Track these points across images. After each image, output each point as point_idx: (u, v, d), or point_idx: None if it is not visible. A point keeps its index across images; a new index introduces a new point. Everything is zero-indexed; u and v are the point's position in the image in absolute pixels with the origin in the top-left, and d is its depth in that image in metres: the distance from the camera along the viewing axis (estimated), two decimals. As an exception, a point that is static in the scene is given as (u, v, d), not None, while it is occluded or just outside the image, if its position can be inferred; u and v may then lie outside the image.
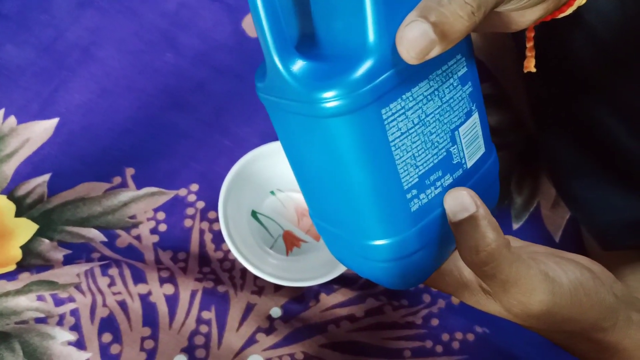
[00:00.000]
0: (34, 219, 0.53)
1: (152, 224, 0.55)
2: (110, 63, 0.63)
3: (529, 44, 0.32)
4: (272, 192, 0.55)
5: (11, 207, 0.54)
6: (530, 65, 0.33)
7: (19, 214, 0.53)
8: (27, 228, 0.53)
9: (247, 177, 0.53)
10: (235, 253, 0.49)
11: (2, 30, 0.63)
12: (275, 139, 0.54)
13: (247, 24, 0.64)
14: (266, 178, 0.54)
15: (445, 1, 0.22)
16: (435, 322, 0.53)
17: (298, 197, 0.56)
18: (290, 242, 0.54)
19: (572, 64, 0.47)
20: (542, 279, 0.27)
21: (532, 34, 0.32)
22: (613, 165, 0.47)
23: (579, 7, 0.29)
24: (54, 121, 0.58)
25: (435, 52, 0.22)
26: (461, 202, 0.27)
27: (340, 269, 0.49)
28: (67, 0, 0.65)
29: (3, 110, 0.58)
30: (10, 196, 0.54)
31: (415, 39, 0.22)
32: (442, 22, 0.22)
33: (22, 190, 0.54)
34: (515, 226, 0.57)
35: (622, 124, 0.45)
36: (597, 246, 0.51)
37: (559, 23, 0.33)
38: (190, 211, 0.56)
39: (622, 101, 0.45)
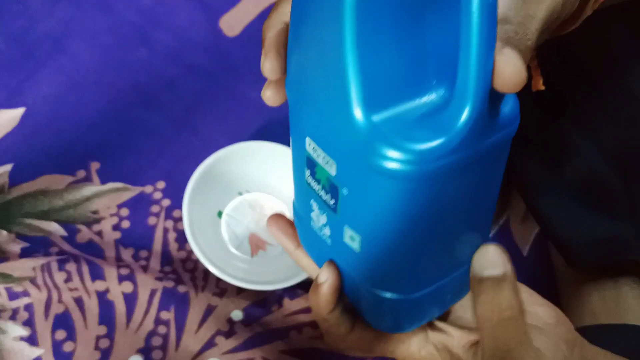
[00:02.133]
0: (-9, 210, 0.52)
1: (115, 220, 0.53)
2: (81, 56, 0.62)
3: (533, 63, 0.32)
4: (240, 193, 0.55)
5: (-32, 197, 0.52)
6: (538, 84, 0.33)
7: (-24, 204, 0.52)
8: (-17, 219, 0.51)
9: (215, 177, 0.52)
10: (197, 253, 0.48)
11: (-29, 17, 0.62)
12: (245, 139, 0.53)
13: (225, 23, 0.63)
14: (234, 178, 0.54)
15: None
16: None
17: (266, 199, 0.55)
18: (256, 244, 0.54)
19: (545, 83, 0.47)
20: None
21: (535, 54, 0.32)
22: (580, 184, 0.48)
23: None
24: (20, 111, 0.57)
25: None
26: (491, 259, 0.27)
27: (305, 274, 0.49)
28: (41, -10, 0.64)
29: (-34, 97, 0.56)
30: (-32, 186, 0.52)
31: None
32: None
33: (-19, 180, 0.53)
34: (483, 238, 0.57)
35: (593, 145, 0.45)
36: (564, 263, 0.52)
37: None
38: (155, 209, 0.54)
39: (594, 123, 0.45)
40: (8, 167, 0.54)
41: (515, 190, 0.59)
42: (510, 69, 0.21)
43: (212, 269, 0.48)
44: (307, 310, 0.51)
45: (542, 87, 0.33)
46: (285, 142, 0.52)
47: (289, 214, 0.54)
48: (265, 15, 0.64)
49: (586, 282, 0.52)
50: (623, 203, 0.45)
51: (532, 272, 0.56)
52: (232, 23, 0.63)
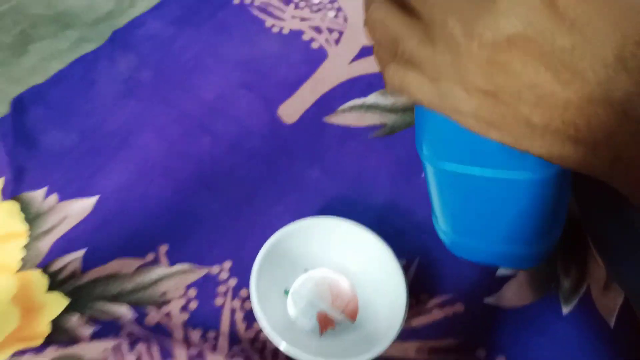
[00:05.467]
0: (65, 294, 0.53)
1: (183, 301, 0.54)
2: (149, 148, 0.65)
3: None
4: (305, 270, 0.55)
5: (44, 281, 0.54)
6: None
7: (51, 288, 0.53)
8: (57, 303, 0.52)
9: (280, 255, 0.53)
10: (268, 331, 0.47)
11: (48, 117, 0.67)
12: (304, 216, 0.54)
13: (283, 111, 0.67)
14: (299, 255, 0.54)
15: None
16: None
17: (332, 276, 0.55)
18: (324, 322, 0.53)
19: None
20: None
21: None
22: None
23: None
24: (93, 200, 0.59)
25: None
26: None
27: (376, 351, 0.47)
28: (111, 90, 0.69)
29: (46, 188, 0.59)
30: (45, 270, 0.54)
31: None
32: None
33: (57, 265, 0.54)
34: (565, 311, 0.55)
35: None
36: None
37: None
38: (222, 289, 0.55)
39: None
40: (81, 253, 0.56)
41: (592, 258, 0.57)
42: None
43: (283, 346, 0.47)
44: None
45: None
46: (346, 217, 0.53)
47: (350, 289, 0.54)
48: (321, 102, 0.67)
49: None
50: None
51: (622, 345, 0.52)
52: (290, 111, 0.67)
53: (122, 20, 0.79)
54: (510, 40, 0.23)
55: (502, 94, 0.24)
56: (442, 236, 0.41)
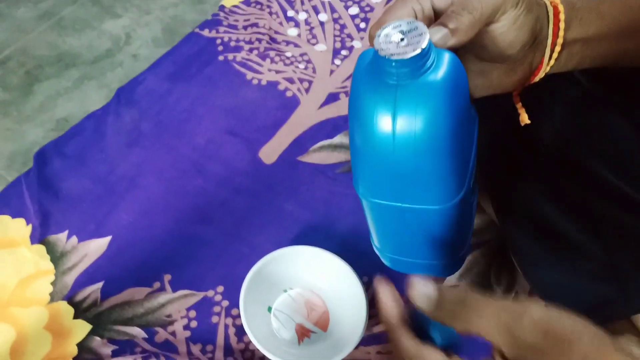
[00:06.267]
0: (88, 320, 0.64)
1: (185, 321, 0.65)
2: (151, 189, 0.77)
3: (518, 104, 0.43)
4: (285, 290, 0.66)
5: (70, 310, 0.65)
6: (524, 118, 0.44)
7: (76, 316, 0.65)
8: (82, 328, 0.64)
9: (263, 278, 0.64)
10: (255, 342, 0.58)
11: (67, 167, 0.78)
12: (285, 244, 0.65)
13: (263, 153, 0.78)
14: (280, 278, 0.65)
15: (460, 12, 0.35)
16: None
17: (306, 294, 0.66)
18: (302, 333, 0.64)
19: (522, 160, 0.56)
20: None
21: (517, 93, 0.43)
22: (566, 254, 0.55)
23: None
24: (107, 239, 0.71)
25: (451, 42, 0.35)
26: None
27: (343, 354, 0.58)
28: (118, 141, 0.81)
29: (67, 231, 0.71)
30: (70, 301, 0.66)
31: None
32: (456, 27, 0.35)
33: (80, 296, 0.66)
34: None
35: (570, 220, 0.54)
36: None
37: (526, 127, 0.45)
38: (216, 309, 0.66)
39: (568, 198, 0.53)
40: (99, 285, 0.67)
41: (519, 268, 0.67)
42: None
43: (268, 354, 0.58)
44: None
45: (528, 121, 0.43)
46: (318, 246, 0.64)
47: (322, 304, 0.65)
48: (295, 143, 0.78)
49: None
50: (604, 265, 0.50)
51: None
52: (269, 152, 0.78)
53: (119, 58, 0.90)
54: None
55: None
56: (379, 254, 0.51)
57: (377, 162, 0.36)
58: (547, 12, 0.39)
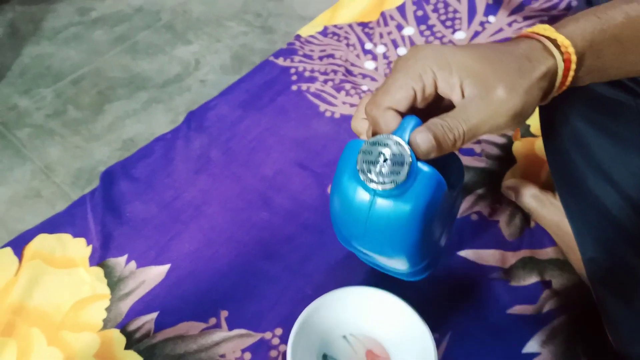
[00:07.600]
0: (139, 352, 0.61)
1: (239, 363, 0.60)
2: (216, 218, 0.74)
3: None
4: (344, 337, 0.60)
5: (122, 340, 0.62)
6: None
7: (128, 346, 0.61)
8: (133, 360, 0.60)
9: (318, 322, 0.58)
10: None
11: (133, 190, 0.77)
12: (349, 283, 0.60)
13: (332, 188, 0.74)
14: (337, 322, 0.59)
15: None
16: None
17: (368, 342, 0.60)
18: (363, 387, 0.58)
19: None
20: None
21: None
22: None
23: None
24: (166, 267, 0.68)
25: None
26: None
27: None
28: (187, 167, 0.79)
29: (126, 255, 0.69)
30: (123, 330, 0.63)
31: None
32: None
33: (133, 325, 0.63)
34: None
35: None
36: None
37: None
38: (273, 353, 0.61)
39: None
40: (154, 315, 0.64)
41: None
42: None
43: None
44: None
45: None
46: (388, 286, 0.58)
47: (384, 353, 0.58)
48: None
49: None
50: None
51: None
52: (340, 187, 0.74)
53: (188, 82, 0.90)
54: None
55: None
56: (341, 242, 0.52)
57: (351, 233, 0.43)
58: (556, 60, 0.38)
